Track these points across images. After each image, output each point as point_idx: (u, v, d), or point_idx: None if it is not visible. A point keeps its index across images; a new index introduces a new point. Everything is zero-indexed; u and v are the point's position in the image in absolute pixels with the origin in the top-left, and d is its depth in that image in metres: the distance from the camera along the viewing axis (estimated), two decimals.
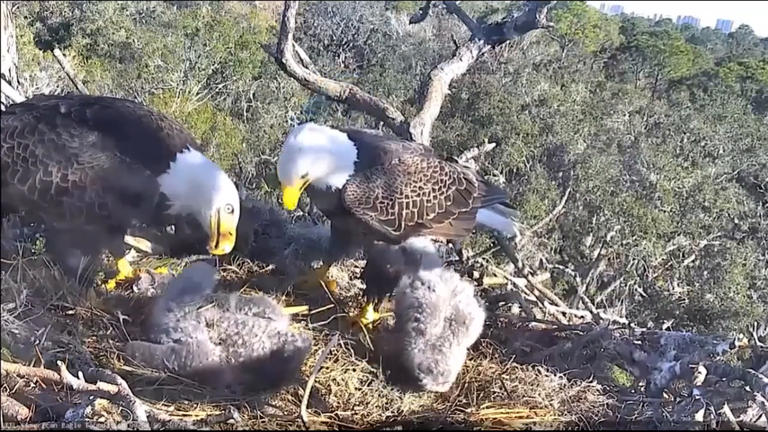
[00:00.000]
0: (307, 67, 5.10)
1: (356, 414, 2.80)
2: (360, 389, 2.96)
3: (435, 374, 2.93)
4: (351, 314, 3.60)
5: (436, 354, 2.93)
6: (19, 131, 3.09)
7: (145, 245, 3.98)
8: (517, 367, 3.16)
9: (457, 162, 3.82)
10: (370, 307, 3.47)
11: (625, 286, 16.73)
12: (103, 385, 2.31)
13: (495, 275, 4.36)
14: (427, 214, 3.41)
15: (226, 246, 3.27)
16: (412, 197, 3.36)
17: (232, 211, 3.24)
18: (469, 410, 2.83)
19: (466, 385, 3.04)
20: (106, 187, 3.07)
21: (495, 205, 3.89)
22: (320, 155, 3.22)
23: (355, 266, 4.10)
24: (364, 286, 3.66)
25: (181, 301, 2.91)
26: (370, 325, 3.43)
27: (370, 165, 3.34)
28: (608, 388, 3.10)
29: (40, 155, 3.05)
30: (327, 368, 3.02)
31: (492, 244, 5.29)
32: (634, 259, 16.72)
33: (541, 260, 16.22)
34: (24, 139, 3.08)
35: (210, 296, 3.00)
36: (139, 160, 3.12)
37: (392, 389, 2.95)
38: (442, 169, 3.52)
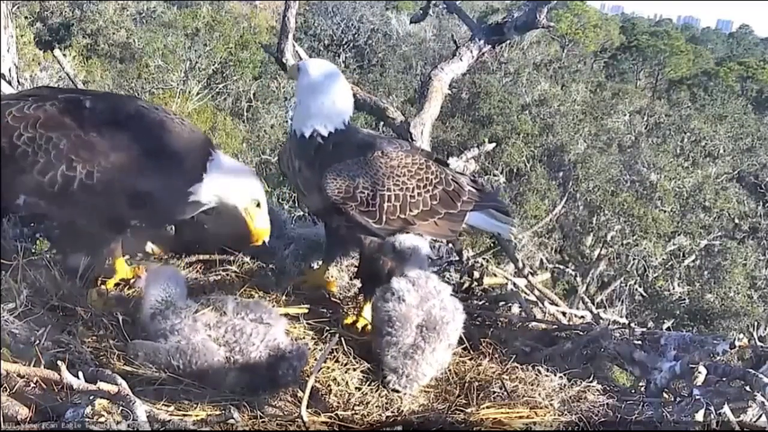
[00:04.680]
0: None
1: (356, 414, 2.80)
2: (360, 389, 2.97)
3: (401, 375, 3.00)
4: (350, 314, 3.60)
5: (407, 359, 3.00)
6: (42, 122, 3.03)
7: (146, 246, 3.98)
8: (517, 367, 3.16)
9: (446, 164, 3.80)
10: (368, 306, 3.46)
11: (625, 286, 16.76)
12: (103, 385, 2.31)
13: (495, 275, 4.35)
14: (411, 210, 3.38)
15: (266, 238, 3.46)
16: (394, 191, 3.33)
17: (259, 204, 3.37)
18: (469, 410, 2.83)
19: (466, 385, 3.05)
20: (134, 191, 3.07)
21: (489, 209, 3.86)
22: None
23: (355, 266, 4.10)
24: (360, 285, 3.66)
25: (163, 309, 2.93)
26: (369, 325, 3.42)
27: (352, 157, 3.33)
28: (608, 388, 3.10)
29: (65, 150, 3.01)
30: (327, 368, 3.03)
31: (492, 244, 5.28)
32: (634, 259, 16.75)
33: (541, 260, 16.25)
34: (48, 131, 3.02)
35: (207, 299, 3.00)
36: (172, 169, 3.15)
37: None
38: (428, 167, 3.49)
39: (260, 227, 3.41)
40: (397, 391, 3.00)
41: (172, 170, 3.15)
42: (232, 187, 3.33)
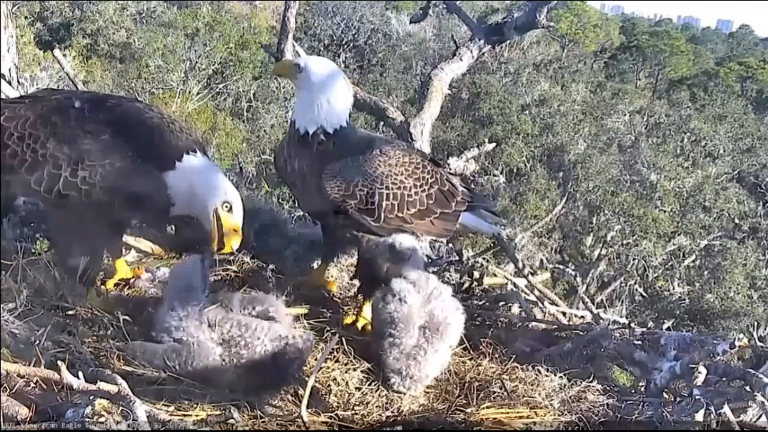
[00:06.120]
0: None
1: (356, 414, 2.81)
2: (360, 389, 2.97)
3: (404, 376, 2.99)
4: (350, 313, 3.60)
5: (410, 360, 3.00)
6: (32, 122, 3.07)
7: (145, 245, 3.98)
8: (517, 367, 3.16)
9: (439, 165, 3.81)
10: (368, 306, 3.46)
11: (625, 286, 16.73)
12: (103, 385, 2.31)
13: (495, 275, 4.36)
14: (408, 209, 3.40)
15: (233, 244, 3.21)
16: (392, 189, 3.35)
17: (231, 209, 3.18)
18: (469, 410, 2.84)
19: (466, 385, 3.05)
20: (115, 187, 3.06)
21: (480, 210, 3.88)
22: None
23: (355, 266, 4.10)
24: (359, 285, 3.66)
25: (183, 299, 2.90)
26: (368, 325, 3.42)
27: (352, 155, 3.33)
28: (608, 388, 3.11)
29: (50, 148, 3.04)
30: (327, 368, 3.03)
31: (492, 244, 5.29)
32: (634, 259, 16.73)
33: (541, 260, 16.23)
34: (36, 130, 3.06)
35: (214, 297, 3.00)
36: (148, 160, 3.12)
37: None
38: (425, 167, 3.51)
39: (228, 233, 3.16)
40: (400, 392, 2.99)
41: (147, 152, 3.13)
42: (204, 183, 3.18)
